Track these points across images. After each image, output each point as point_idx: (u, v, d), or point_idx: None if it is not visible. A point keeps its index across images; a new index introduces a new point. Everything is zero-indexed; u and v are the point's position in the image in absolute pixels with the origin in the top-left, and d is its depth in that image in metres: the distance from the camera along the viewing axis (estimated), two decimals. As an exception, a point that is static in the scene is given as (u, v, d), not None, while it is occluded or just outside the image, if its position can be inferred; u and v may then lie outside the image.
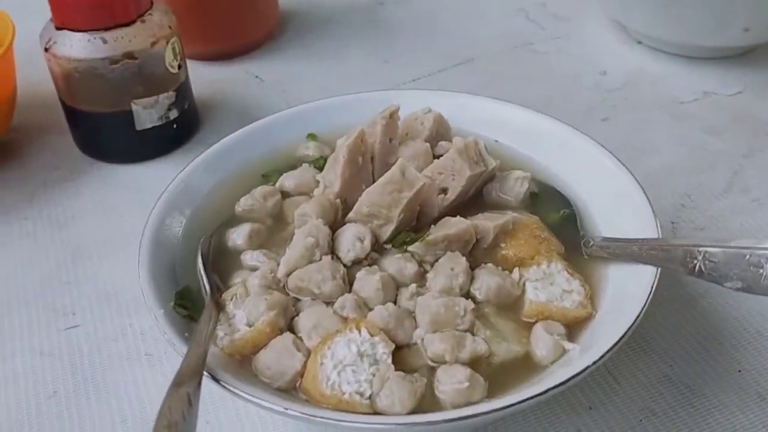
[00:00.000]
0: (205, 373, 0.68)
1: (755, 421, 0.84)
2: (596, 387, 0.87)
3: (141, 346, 0.95)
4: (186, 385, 0.62)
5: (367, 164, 0.89)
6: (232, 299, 0.80)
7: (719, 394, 0.86)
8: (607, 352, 0.68)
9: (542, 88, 1.40)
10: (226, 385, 0.67)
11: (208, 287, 0.81)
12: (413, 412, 0.70)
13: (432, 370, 0.74)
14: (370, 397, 0.70)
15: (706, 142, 1.27)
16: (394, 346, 0.73)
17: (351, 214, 0.85)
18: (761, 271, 0.67)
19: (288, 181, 0.96)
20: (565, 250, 0.86)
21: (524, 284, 0.81)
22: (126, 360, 0.93)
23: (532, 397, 0.65)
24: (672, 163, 1.23)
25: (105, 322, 0.99)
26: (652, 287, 0.74)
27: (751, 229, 1.09)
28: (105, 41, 1.12)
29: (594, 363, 0.67)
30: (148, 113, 1.19)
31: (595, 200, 0.92)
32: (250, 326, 0.76)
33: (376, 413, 0.69)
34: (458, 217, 0.85)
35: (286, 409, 0.65)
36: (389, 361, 0.72)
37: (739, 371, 0.89)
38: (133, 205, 1.17)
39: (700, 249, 0.72)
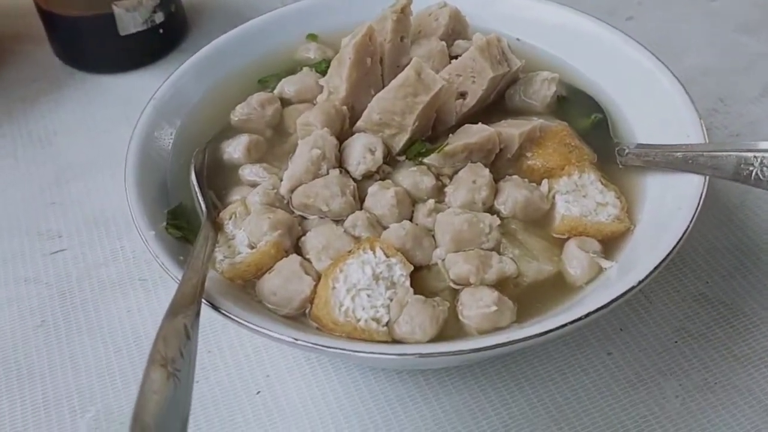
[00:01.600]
0: (203, 300, 0.61)
1: (796, 338, 0.78)
2: (627, 307, 0.81)
3: (134, 270, 0.88)
4: (182, 315, 0.55)
5: (375, 66, 0.80)
6: (231, 218, 0.72)
7: (759, 311, 0.80)
8: (652, 272, 0.61)
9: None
10: (228, 314, 0.61)
11: (203, 205, 0.74)
12: (435, 339, 0.63)
13: (455, 293, 0.67)
14: (387, 324, 0.63)
15: (740, 42, 1.17)
16: (412, 268, 0.66)
17: (360, 123, 0.77)
18: (832, 177, 0.59)
19: (288, 86, 0.87)
20: (597, 159, 0.78)
21: (554, 197, 0.74)
22: (118, 286, 0.87)
23: (570, 322, 0.58)
24: (703, 64, 1.13)
25: (94, 246, 0.91)
26: (700, 198, 0.67)
27: (790, 135, 1.00)
28: (81, -66, 1.01)
29: (638, 284, 0.60)
30: (131, 16, 1.09)
31: (628, 103, 0.83)
32: (252, 248, 0.69)
33: (394, 341, 0.63)
34: (480, 124, 0.76)
35: (296, 339, 0.59)
36: (407, 283, 0.65)
37: (778, 287, 0.82)
38: (120, 118, 1.08)
39: (758, 154, 0.64)
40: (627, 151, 0.76)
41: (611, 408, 0.73)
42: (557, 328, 0.57)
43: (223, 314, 0.61)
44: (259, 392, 0.75)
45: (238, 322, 0.60)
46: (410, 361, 0.59)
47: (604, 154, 0.77)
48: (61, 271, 0.89)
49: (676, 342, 0.77)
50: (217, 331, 0.80)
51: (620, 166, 0.76)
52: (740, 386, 0.74)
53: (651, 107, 0.80)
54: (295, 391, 0.75)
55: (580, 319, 0.58)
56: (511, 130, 0.76)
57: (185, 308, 0.57)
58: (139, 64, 1.14)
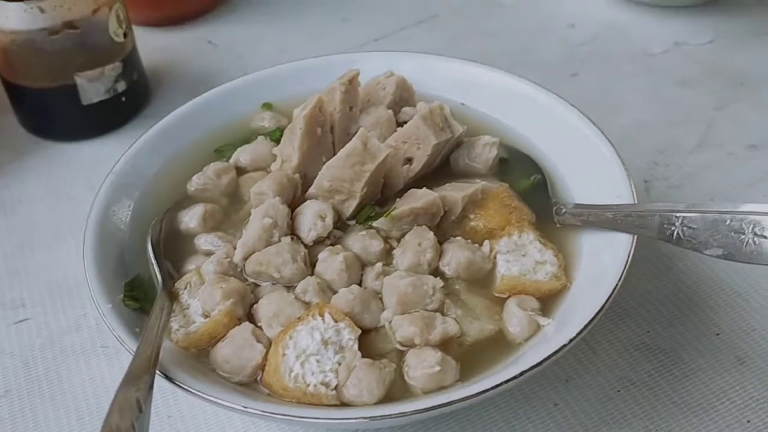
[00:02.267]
0: (157, 372, 0.63)
1: (734, 383, 0.82)
2: (572, 358, 0.84)
3: (96, 337, 0.90)
4: (135, 388, 0.58)
5: (326, 135, 0.84)
6: (186, 288, 0.75)
7: (697, 359, 0.84)
8: (584, 328, 0.65)
9: (508, 44, 1.35)
10: (181, 384, 0.63)
11: (159, 276, 0.76)
12: (383, 400, 0.66)
13: (401, 354, 0.70)
14: (336, 388, 0.66)
15: (678, 96, 1.23)
16: (360, 332, 0.69)
17: (311, 190, 0.81)
18: (743, 237, 0.63)
19: (243, 155, 0.91)
20: (536, 219, 0.82)
21: (495, 257, 0.78)
22: (81, 353, 0.88)
23: (506, 382, 0.61)
24: (644, 118, 1.19)
25: (57, 314, 0.93)
26: (628, 256, 0.71)
27: (727, 185, 1.06)
28: (43, 10, 1.04)
29: (571, 341, 0.64)
30: (94, 86, 1.12)
31: (566, 164, 0.88)
32: (206, 317, 0.72)
33: (343, 404, 0.66)
34: (424, 188, 0.81)
35: (246, 407, 0.61)
36: (356, 347, 0.68)
37: (717, 334, 0.86)
38: (84, 185, 1.11)
39: (678, 215, 0.69)
40: (564, 210, 0.80)
41: (558, 459, 0.75)
42: (493, 388, 0.61)
43: (177, 385, 0.63)
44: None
45: (191, 392, 0.63)
46: (358, 424, 0.61)
47: (543, 213, 0.82)
48: (25, 340, 0.90)
49: (618, 391, 0.81)
50: (177, 396, 0.82)
51: (558, 225, 0.80)
52: (680, 433, 0.77)
53: (586, 168, 0.84)
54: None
55: (516, 377, 0.61)
56: (455, 193, 0.80)
57: (139, 380, 0.60)
58: (103, 132, 1.17)
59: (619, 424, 0.78)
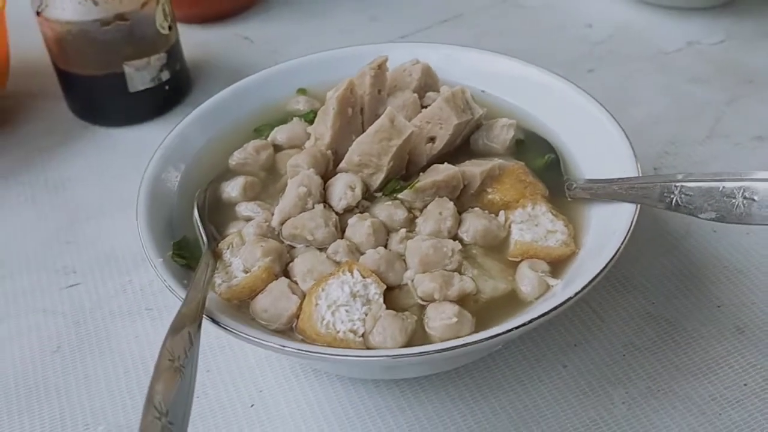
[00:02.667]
0: (204, 315, 0.71)
1: (732, 350, 0.87)
2: (580, 324, 0.90)
3: (141, 301, 0.98)
4: (186, 327, 0.65)
5: (356, 115, 0.91)
6: (228, 248, 0.82)
7: (699, 328, 0.90)
8: (588, 284, 0.71)
9: (529, 41, 1.42)
10: (226, 326, 0.70)
11: (204, 237, 0.83)
12: (404, 347, 0.72)
13: (422, 308, 0.77)
14: (363, 335, 0.73)
15: (690, 91, 1.29)
16: (385, 287, 0.76)
17: (342, 164, 0.87)
18: (733, 201, 0.70)
19: (280, 134, 0.98)
20: (549, 193, 0.88)
21: (510, 226, 0.84)
22: (127, 315, 0.96)
23: (515, 328, 0.68)
24: (656, 112, 1.25)
25: (105, 280, 1.01)
26: (631, 222, 0.77)
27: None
28: (96, 3, 1.13)
29: (575, 295, 0.70)
30: (140, 75, 1.20)
31: (578, 145, 0.94)
32: (246, 272, 0.79)
33: (368, 349, 0.72)
34: (446, 164, 0.87)
35: (283, 346, 0.68)
36: (381, 300, 0.74)
37: (719, 306, 0.92)
38: (128, 167, 1.18)
39: (677, 184, 0.75)
40: (574, 185, 0.86)
41: (565, 413, 0.81)
42: (504, 332, 0.67)
43: (222, 327, 0.70)
44: (252, 405, 0.84)
45: (234, 333, 0.70)
46: (382, 362, 0.68)
47: (556, 188, 0.88)
48: (76, 303, 0.98)
49: (624, 355, 0.87)
50: (215, 352, 0.90)
51: (569, 199, 0.86)
52: (680, 393, 0.83)
53: (596, 148, 0.90)
54: (285, 403, 0.84)
55: (524, 324, 0.67)
56: (474, 168, 0.87)
57: (189, 322, 0.67)
58: (147, 118, 1.25)
59: (623, 384, 0.84)
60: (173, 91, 1.26)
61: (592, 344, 0.88)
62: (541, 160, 0.92)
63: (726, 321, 0.90)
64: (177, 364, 0.57)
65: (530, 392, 0.83)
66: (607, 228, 0.80)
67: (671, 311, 0.91)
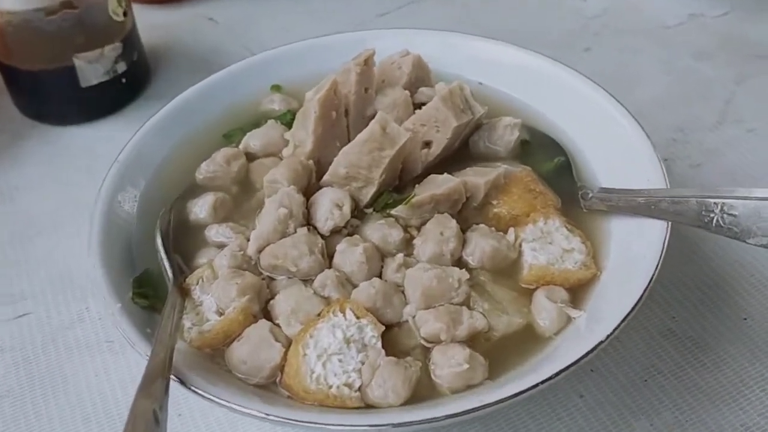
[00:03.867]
0: (172, 376, 0.60)
1: (764, 371, 0.79)
2: (598, 347, 0.81)
3: (100, 332, 0.86)
4: (151, 399, 0.55)
5: (341, 118, 0.80)
6: (198, 283, 0.72)
7: (726, 346, 0.81)
8: (621, 322, 0.62)
9: (518, 18, 1.30)
10: (198, 390, 0.60)
11: (169, 271, 0.73)
12: (409, 401, 0.63)
13: (426, 351, 0.67)
14: (359, 389, 0.63)
15: (696, 69, 1.19)
16: (383, 328, 0.66)
17: (327, 177, 0.77)
18: (790, 225, 0.60)
19: (253, 140, 0.87)
20: (562, 204, 0.78)
21: (521, 245, 0.74)
22: (85, 349, 0.84)
23: (542, 382, 0.58)
24: (661, 94, 1.15)
25: (59, 308, 0.89)
26: (663, 244, 0.68)
27: (749, 163, 1.02)
28: (38, -11, 1.00)
29: (607, 338, 0.61)
30: (93, 68, 1.07)
31: (591, 145, 0.84)
32: (220, 314, 0.69)
33: (368, 406, 0.63)
34: (445, 174, 0.77)
35: (267, 414, 0.58)
36: (379, 345, 0.65)
37: (745, 319, 0.83)
38: (84, 171, 1.06)
39: (717, 201, 0.65)
40: (590, 195, 0.77)
41: (587, 454, 0.73)
42: (528, 389, 0.57)
43: (193, 391, 0.60)
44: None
45: (208, 398, 0.59)
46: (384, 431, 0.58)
47: (568, 198, 0.78)
48: (26, 335, 0.86)
49: (646, 381, 0.78)
50: (187, 394, 0.79)
51: (584, 210, 0.77)
52: (710, 423, 0.74)
53: (612, 150, 0.80)
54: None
55: (549, 379, 0.58)
56: (477, 179, 0.76)
57: (153, 386, 0.57)
58: (103, 114, 1.12)
59: (647, 415, 0.75)
60: (131, 83, 1.14)
61: (611, 369, 0.79)
62: (550, 164, 0.82)
63: (755, 336, 0.82)
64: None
65: (546, 429, 0.74)
66: (632, 247, 0.71)
67: (695, 327, 0.83)
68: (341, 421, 0.58)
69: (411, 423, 0.57)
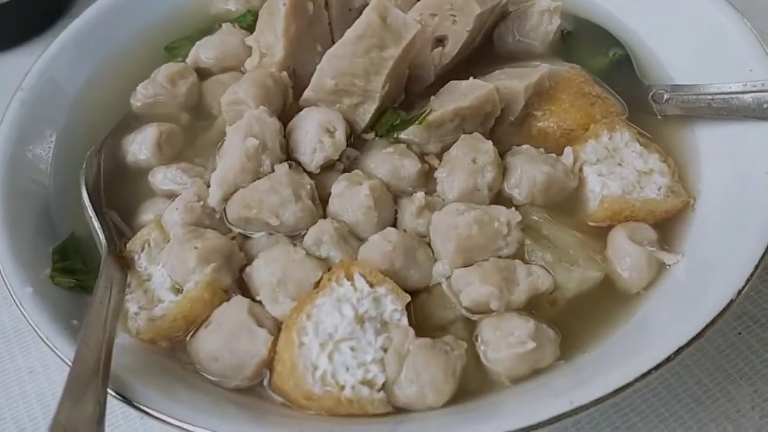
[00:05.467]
0: (110, 391, 0.43)
1: None
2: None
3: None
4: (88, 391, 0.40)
5: (320, 12, 0.62)
6: (143, 249, 0.54)
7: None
8: (754, 272, 0.43)
9: None
10: (150, 410, 0.42)
11: (101, 234, 0.55)
12: (454, 399, 0.45)
13: (471, 326, 0.50)
14: (384, 387, 0.46)
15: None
16: (408, 298, 0.49)
17: (308, 93, 0.59)
18: None
19: (204, 52, 0.69)
20: (627, 112, 0.61)
21: (581, 170, 0.56)
22: (14, 337, 0.67)
23: (653, 370, 0.40)
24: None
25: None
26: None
27: None
28: None
29: (738, 294, 0.43)
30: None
31: (656, 34, 0.65)
32: (177, 292, 0.51)
33: (398, 410, 0.45)
34: (471, 79, 0.59)
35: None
36: (405, 322, 0.48)
37: None
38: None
39: None
40: (666, 96, 0.60)
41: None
42: (636, 380, 0.39)
43: (141, 410, 0.41)
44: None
45: (166, 422, 0.40)
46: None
47: (634, 102, 0.61)
48: None
49: (739, 333, 0.62)
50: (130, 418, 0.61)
51: (658, 117, 0.60)
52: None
53: (688, 35, 0.62)
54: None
55: (662, 363, 0.40)
56: (513, 82, 0.59)
57: (80, 408, 0.40)
58: (13, 43, 0.92)
59: (748, 378, 0.62)
60: (47, 2, 0.93)
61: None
62: (604, 60, 0.65)
63: None
64: None
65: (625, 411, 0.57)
66: (738, 162, 0.54)
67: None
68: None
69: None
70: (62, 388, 0.42)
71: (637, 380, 0.40)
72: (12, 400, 0.65)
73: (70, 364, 0.43)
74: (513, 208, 0.52)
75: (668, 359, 0.40)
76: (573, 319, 0.50)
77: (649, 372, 0.40)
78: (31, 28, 0.92)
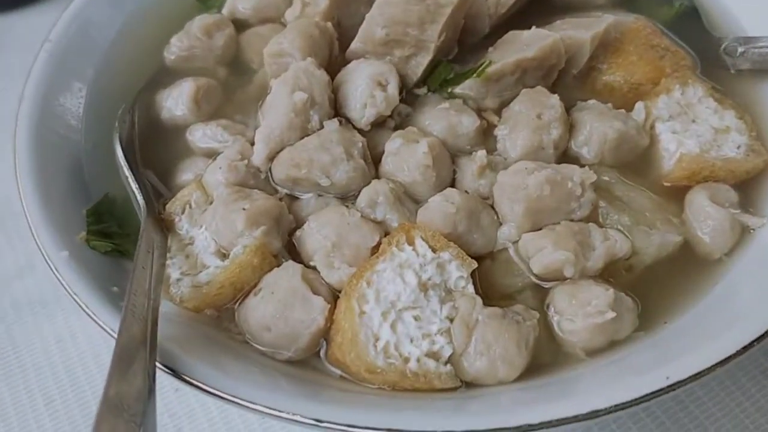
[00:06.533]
0: (159, 364, 0.40)
1: None
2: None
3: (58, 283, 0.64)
4: (124, 413, 0.36)
5: None
6: (184, 211, 0.51)
7: None
8: None
9: None
10: (200, 384, 0.40)
11: (139, 195, 0.52)
12: (527, 373, 0.42)
13: (542, 294, 0.47)
14: (450, 360, 0.43)
15: None
16: (475, 264, 0.45)
17: (356, 44, 0.55)
18: None
19: (241, 2, 0.64)
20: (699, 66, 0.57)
21: (653, 126, 0.53)
22: (40, 306, 0.65)
23: (749, 346, 0.37)
24: None
25: (2, 251, 0.69)
26: None
27: None
28: None
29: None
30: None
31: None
32: (222, 257, 0.48)
33: (468, 385, 0.42)
34: (534, 28, 0.55)
35: (319, 421, 0.36)
36: (472, 290, 0.44)
37: None
38: (17, 71, 0.81)
39: None
40: (741, 50, 0.56)
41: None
42: (737, 354, 0.36)
43: (192, 384, 0.38)
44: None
45: (218, 396, 0.37)
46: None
47: (704, 55, 0.57)
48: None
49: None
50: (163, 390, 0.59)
51: (732, 72, 0.56)
52: None
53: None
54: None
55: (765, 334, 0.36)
56: (578, 32, 0.56)
57: (127, 390, 0.38)
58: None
59: None
60: None
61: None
62: (670, 10, 0.61)
63: None
64: (128, 415, 0.36)
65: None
66: None
67: None
68: (440, 426, 0.35)
69: (554, 423, 0.35)
70: (110, 360, 0.40)
71: (738, 353, 0.36)
72: (40, 371, 0.62)
73: (114, 334, 0.40)
74: (586, 167, 0.48)
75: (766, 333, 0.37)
76: (651, 288, 0.47)
77: (751, 344, 0.36)
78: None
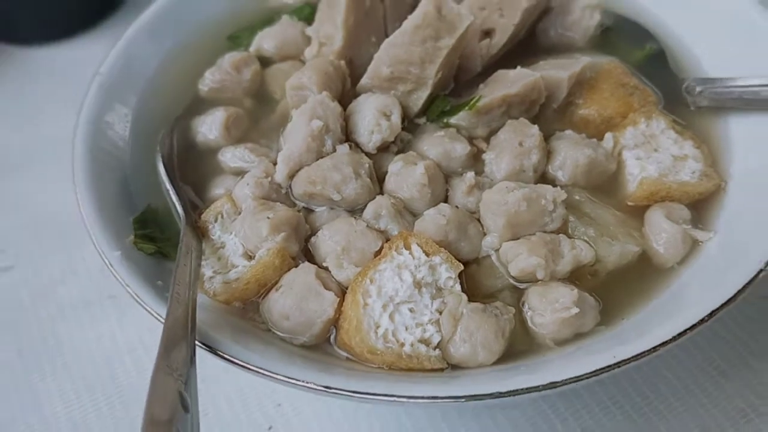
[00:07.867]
0: (198, 343, 0.47)
1: None
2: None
3: (102, 284, 0.71)
4: (174, 373, 0.41)
5: (376, 6, 0.65)
6: (216, 220, 0.58)
7: None
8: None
9: None
10: (234, 359, 0.46)
11: (179, 206, 0.58)
12: (503, 358, 0.49)
13: (518, 294, 0.53)
14: (439, 346, 0.49)
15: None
16: (462, 267, 0.52)
17: (365, 80, 0.62)
18: None
19: (266, 41, 0.71)
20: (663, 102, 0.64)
21: (621, 154, 0.59)
22: (82, 308, 0.70)
23: (685, 332, 0.44)
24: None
25: (47, 258, 0.74)
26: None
27: None
28: None
29: (766, 266, 0.46)
30: (61, -28, 0.90)
31: (689, 28, 0.68)
32: (249, 258, 0.55)
33: (453, 366, 0.49)
34: (519, 68, 0.62)
35: (327, 388, 0.43)
36: (458, 288, 0.51)
37: None
38: (57, 98, 0.88)
39: None
40: (699, 89, 0.62)
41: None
42: (674, 339, 0.43)
43: (226, 359, 0.46)
44: (271, 427, 0.61)
45: (249, 369, 0.45)
46: (487, 404, 0.44)
47: (669, 93, 0.64)
48: (10, 294, 0.72)
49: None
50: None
51: (691, 108, 0.63)
52: None
53: (720, 29, 0.65)
54: (316, 421, 0.60)
55: (697, 324, 0.44)
56: (557, 72, 0.62)
57: (174, 355, 0.44)
58: (74, 31, 0.96)
59: None
60: None
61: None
62: (640, 53, 0.68)
63: None
64: (176, 375, 0.42)
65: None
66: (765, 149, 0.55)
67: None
68: (428, 392, 0.43)
69: (519, 391, 0.42)
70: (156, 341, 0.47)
71: (674, 338, 0.43)
72: (82, 366, 0.67)
73: (160, 319, 0.47)
74: (559, 188, 0.55)
75: (702, 321, 0.44)
76: (612, 290, 0.53)
77: (685, 332, 0.44)
78: (95, 15, 0.96)
